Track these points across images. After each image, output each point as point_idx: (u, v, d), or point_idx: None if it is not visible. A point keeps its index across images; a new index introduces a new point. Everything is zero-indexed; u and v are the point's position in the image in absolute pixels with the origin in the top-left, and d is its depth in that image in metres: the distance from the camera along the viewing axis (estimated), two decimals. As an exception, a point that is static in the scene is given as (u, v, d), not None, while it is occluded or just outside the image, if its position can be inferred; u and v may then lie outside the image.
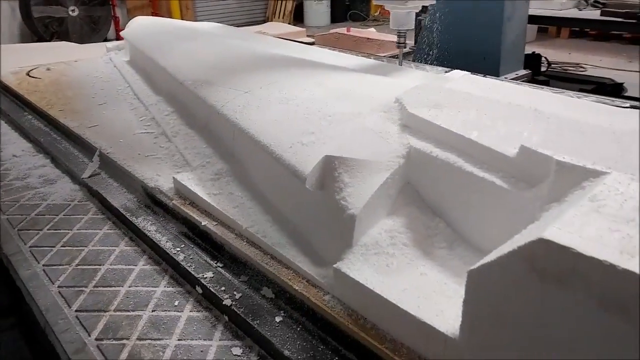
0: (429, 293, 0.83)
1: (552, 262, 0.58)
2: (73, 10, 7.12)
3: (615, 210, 0.62)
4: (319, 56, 1.85)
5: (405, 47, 1.90)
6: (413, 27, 1.77)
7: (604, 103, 1.58)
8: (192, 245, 1.14)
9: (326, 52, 2.16)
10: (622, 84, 3.91)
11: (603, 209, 0.63)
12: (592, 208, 0.63)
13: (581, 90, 2.64)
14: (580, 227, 0.59)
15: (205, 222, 1.14)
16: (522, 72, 3.04)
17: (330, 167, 0.94)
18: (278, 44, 2.24)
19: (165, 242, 1.15)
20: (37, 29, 6.89)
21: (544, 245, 0.57)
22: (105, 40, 7.07)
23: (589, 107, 1.13)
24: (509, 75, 2.90)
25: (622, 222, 0.59)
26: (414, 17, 1.75)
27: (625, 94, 3.73)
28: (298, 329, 0.91)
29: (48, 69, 2.51)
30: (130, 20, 2.63)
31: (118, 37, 7.29)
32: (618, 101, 1.69)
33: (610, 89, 3.76)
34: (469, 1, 2.79)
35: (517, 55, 3.01)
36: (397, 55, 1.99)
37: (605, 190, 0.67)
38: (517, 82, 2.29)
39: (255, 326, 0.91)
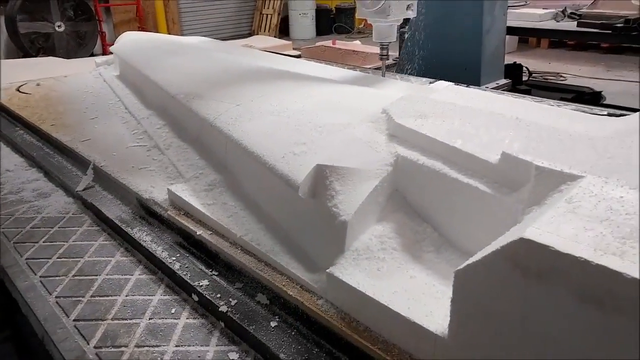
0: (418, 295, 0.87)
1: (532, 260, 0.62)
2: (59, 26, 7.13)
3: (589, 211, 0.66)
4: (306, 69, 1.90)
5: (388, 59, 1.96)
6: (395, 39, 1.82)
7: (582, 111, 1.65)
8: (188, 255, 1.17)
9: (313, 64, 2.20)
10: (600, 92, 4.01)
11: (579, 209, 0.67)
12: (569, 209, 0.68)
13: (561, 99, 2.71)
14: (557, 226, 0.63)
15: (200, 231, 1.17)
16: (503, 81, 3.12)
17: (321, 176, 0.97)
18: (265, 57, 2.28)
19: (160, 252, 1.18)
20: (24, 45, 6.88)
21: (525, 245, 0.62)
22: (92, 55, 7.08)
23: (567, 115, 1.18)
24: (490, 84, 2.97)
25: (596, 222, 0.64)
26: (395, 30, 1.81)
27: (604, 102, 3.82)
28: (293, 333, 0.94)
29: (38, 84, 2.53)
30: (120, 36, 2.66)
31: (105, 52, 7.31)
32: (596, 109, 1.75)
33: (589, 97, 3.85)
34: (449, 15, 2.87)
35: (497, 65, 3.09)
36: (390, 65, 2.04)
37: (581, 193, 0.72)
38: (499, 91, 2.36)
39: (251, 331, 0.93)
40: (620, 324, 0.56)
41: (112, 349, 0.95)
